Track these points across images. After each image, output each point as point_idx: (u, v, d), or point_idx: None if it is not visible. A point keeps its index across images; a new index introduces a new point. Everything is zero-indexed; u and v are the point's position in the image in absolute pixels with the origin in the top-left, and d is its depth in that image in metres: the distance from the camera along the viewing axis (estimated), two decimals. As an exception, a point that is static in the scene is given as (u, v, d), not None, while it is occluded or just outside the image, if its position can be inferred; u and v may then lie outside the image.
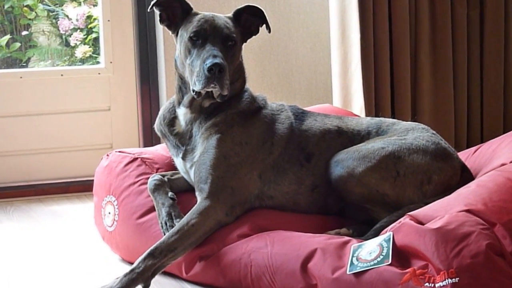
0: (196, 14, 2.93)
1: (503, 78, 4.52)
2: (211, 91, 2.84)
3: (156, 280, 2.67)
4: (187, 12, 2.94)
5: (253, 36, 3.02)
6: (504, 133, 3.70)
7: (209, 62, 2.74)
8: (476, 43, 4.46)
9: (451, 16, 4.36)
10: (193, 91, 2.83)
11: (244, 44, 3.00)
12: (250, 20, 2.99)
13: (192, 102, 2.94)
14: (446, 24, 4.35)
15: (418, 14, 4.31)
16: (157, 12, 2.98)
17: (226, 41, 2.85)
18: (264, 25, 3.00)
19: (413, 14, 4.30)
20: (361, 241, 2.58)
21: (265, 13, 2.97)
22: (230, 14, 2.96)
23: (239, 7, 2.97)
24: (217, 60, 2.73)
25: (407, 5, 4.25)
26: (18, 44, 4.93)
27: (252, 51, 3.20)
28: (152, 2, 2.94)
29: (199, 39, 2.83)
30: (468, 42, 4.45)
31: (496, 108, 4.50)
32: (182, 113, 2.99)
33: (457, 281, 2.27)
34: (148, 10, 3.01)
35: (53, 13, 5.04)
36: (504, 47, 4.48)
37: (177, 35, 2.95)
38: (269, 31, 3.00)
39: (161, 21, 2.98)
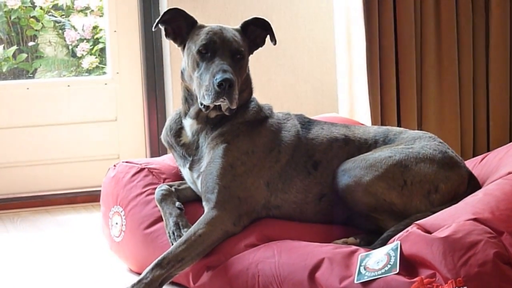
0: (203, 26, 2.93)
1: (509, 86, 4.52)
2: (219, 104, 2.85)
3: (164, 290, 2.69)
4: (192, 25, 2.95)
5: (260, 48, 3.03)
6: (510, 141, 3.70)
7: (219, 77, 2.74)
8: (481, 51, 4.47)
9: (456, 24, 4.36)
10: (201, 104, 2.84)
11: (252, 55, 3.01)
12: (256, 32, 2.99)
13: (198, 113, 2.94)
14: (451, 32, 4.35)
15: (424, 23, 4.31)
16: (162, 27, 2.99)
17: (235, 54, 2.86)
18: (270, 37, 3.01)
19: (419, 23, 4.31)
20: (369, 250, 2.58)
21: (271, 25, 2.98)
22: (238, 26, 2.97)
23: (247, 19, 2.97)
24: (227, 76, 2.74)
25: (413, 14, 4.26)
26: (24, 55, 4.95)
27: (259, 61, 3.22)
28: (156, 21, 2.95)
29: (208, 52, 2.83)
30: (473, 50, 4.45)
31: (503, 116, 4.50)
32: (189, 124, 3.00)
33: (465, 290, 2.28)
34: (153, 29, 3.02)
35: (60, 24, 5.06)
36: (509, 55, 4.49)
37: (183, 47, 2.96)
38: (275, 43, 3.01)
39: (167, 35, 2.98)
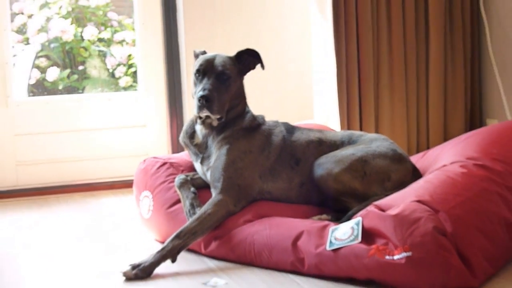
0: (203, 54, 2.95)
1: (444, 99, 4.52)
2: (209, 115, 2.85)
3: (182, 256, 2.68)
4: (198, 55, 2.98)
5: (251, 71, 3.01)
6: (444, 141, 3.70)
7: (199, 94, 2.76)
8: (423, 73, 4.45)
9: (404, 52, 4.37)
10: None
11: (247, 76, 2.99)
12: (249, 59, 2.97)
13: (204, 121, 2.94)
14: (400, 59, 4.35)
15: (379, 52, 4.31)
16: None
17: (221, 76, 2.85)
18: (260, 64, 3.00)
19: (376, 52, 4.30)
20: (337, 225, 2.58)
21: (260, 54, 2.97)
22: (233, 55, 2.96)
23: (241, 49, 2.97)
24: (204, 93, 2.75)
25: (371, 45, 4.25)
26: (76, 76, 4.95)
27: (253, 81, 3.22)
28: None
29: (200, 75, 2.85)
30: (417, 72, 4.45)
31: (439, 122, 4.50)
32: (199, 129, 2.99)
33: (410, 254, 2.28)
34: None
35: (103, 52, 5.05)
36: (444, 76, 4.49)
37: (196, 69, 2.97)
38: (263, 68, 3.00)
39: None
